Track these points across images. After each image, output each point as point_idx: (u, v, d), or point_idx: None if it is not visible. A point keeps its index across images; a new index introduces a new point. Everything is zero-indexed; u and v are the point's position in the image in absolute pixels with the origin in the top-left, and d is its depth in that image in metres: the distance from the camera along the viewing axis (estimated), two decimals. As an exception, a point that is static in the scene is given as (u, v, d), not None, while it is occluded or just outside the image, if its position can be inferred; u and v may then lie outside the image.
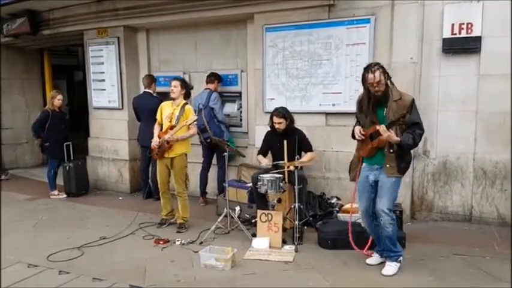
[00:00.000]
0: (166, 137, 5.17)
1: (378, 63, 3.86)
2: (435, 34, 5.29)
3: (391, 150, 3.81)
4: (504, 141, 5.12)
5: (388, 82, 3.83)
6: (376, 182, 3.99)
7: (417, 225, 5.35)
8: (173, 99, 5.32)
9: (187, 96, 5.45)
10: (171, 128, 5.20)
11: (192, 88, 5.69)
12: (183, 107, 5.28)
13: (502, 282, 3.77)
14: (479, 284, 3.76)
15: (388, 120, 3.77)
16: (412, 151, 4.00)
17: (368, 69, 3.80)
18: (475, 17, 5.08)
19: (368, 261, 4.24)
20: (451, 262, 4.24)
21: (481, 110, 5.20)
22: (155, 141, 5.26)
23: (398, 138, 3.75)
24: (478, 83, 5.18)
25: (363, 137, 3.93)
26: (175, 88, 5.27)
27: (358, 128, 3.96)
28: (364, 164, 4.10)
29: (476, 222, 5.32)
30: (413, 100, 3.82)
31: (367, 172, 4.06)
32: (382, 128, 3.71)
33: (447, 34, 5.20)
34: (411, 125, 3.78)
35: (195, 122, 5.35)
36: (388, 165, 3.86)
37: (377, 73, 3.74)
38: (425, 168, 5.50)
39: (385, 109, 3.81)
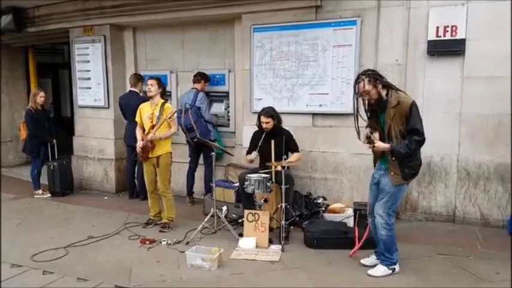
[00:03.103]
0: (149, 136, 5.17)
1: (366, 72, 3.82)
2: (420, 36, 5.34)
3: (393, 158, 3.78)
4: (487, 142, 5.20)
5: (383, 87, 3.77)
6: (379, 182, 3.97)
7: (401, 225, 5.39)
8: (151, 97, 5.33)
9: (162, 95, 5.44)
10: (153, 127, 5.20)
11: (165, 89, 5.76)
12: (162, 106, 5.28)
13: (485, 282, 3.84)
14: (463, 284, 3.81)
15: (387, 126, 3.76)
16: (420, 155, 3.90)
17: (356, 79, 3.84)
18: (460, 20, 5.14)
19: (362, 261, 4.23)
20: (435, 262, 4.29)
21: (464, 112, 5.28)
22: (140, 144, 5.25)
23: (387, 146, 3.74)
24: (462, 85, 5.25)
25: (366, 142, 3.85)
26: (152, 87, 5.29)
27: (365, 132, 3.88)
28: (377, 162, 4.08)
29: (460, 223, 5.39)
30: (411, 104, 3.68)
31: (375, 171, 4.06)
32: (363, 139, 3.76)
33: (432, 36, 5.26)
34: (410, 131, 3.70)
35: (176, 118, 5.42)
36: (392, 173, 3.83)
37: (361, 84, 3.75)
38: (410, 169, 5.55)
39: (385, 115, 3.78)
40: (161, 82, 5.48)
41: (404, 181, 3.84)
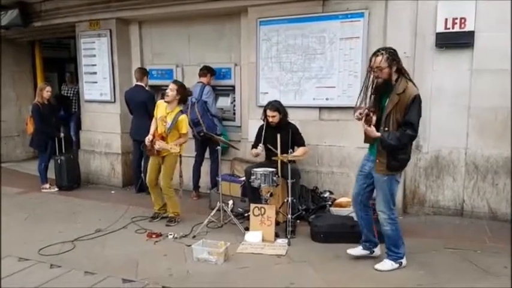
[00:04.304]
0: (156, 146, 5.12)
1: (387, 49, 3.71)
2: (428, 29, 5.29)
3: (383, 147, 3.73)
4: (496, 136, 5.15)
5: (396, 70, 3.67)
6: (370, 174, 3.92)
7: (409, 219, 5.38)
8: (168, 102, 5.20)
9: (183, 101, 5.34)
10: (162, 138, 5.15)
11: (190, 95, 5.63)
12: (176, 116, 5.16)
13: (493, 276, 3.81)
14: (471, 278, 3.78)
15: (386, 111, 3.68)
16: (413, 148, 3.90)
17: (374, 52, 3.72)
18: (469, 12, 5.08)
19: (349, 251, 4.17)
20: (443, 256, 4.26)
21: (473, 105, 5.23)
22: (148, 140, 5.22)
23: (378, 134, 3.66)
24: (470, 78, 5.20)
25: (359, 117, 3.77)
26: (171, 92, 5.14)
27: (361, 110, 3.79)
28: (366, 152, 4.05)
29: (468, 216, 5.36)
30: (415, 97, 3.59)
31: (365, 161, 4.01)
32: (362, 121, 3.68)
33: (440, 29, 5.20)
34: (405, 124, 3.63)
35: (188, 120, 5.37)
36: (378, 161, 3.78)
37: (379, 58, 3.63)
38: (418, 163, 5.52)
39: (388, 99, 3.70)
40: (183, 89, 5.24)
41: (388, 171, 3.76)
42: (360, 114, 3.73)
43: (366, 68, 5.37)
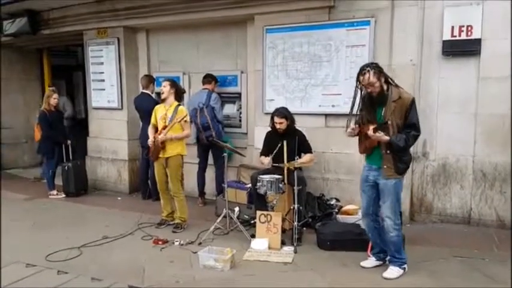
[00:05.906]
0: (160, 136, 5.18)
1: (371, 64, 3.85)
2: (435, 36, 5.30)
3: (388, 152, 3.81)
4: (503, 143, 5.12)
5: (384, 81, 3.82)
6: (376, 183, 3.97)
7: (416, 227, 5.35)
8: (164, 99, 5.35)
9: (178, 98, 5.44)
10: (165, 128, 5.21)
11: (184, 92, 5.71)
12: (176, 108, 5.28)
13: (501, 284, 3.78)
14: (478, 286, 3.75)
15: (386, 118, 3.78)
16: (411, 151, 3.99)
17: (360, 71, 3.85)
18: (475, 20, 5.09)
19: (363, 263, 4.22)
20: (450, 264, 4.24)
21: (480, 113, 5.21)
22: (150, 141, 5.29)
23: (387, 138, 3.73)
24: (477, 86, 5.19)
25: (353, 133, 3.96)
26: (165, 88, 5.31)
27: (351, 126, 3.97)
28: (365, 163, 4.12)
29: (475, 224, 5.32)
30: (413, 100, 3.78)
31: (367, 172, 4.06)
32: (370, 132, 3.74)
33: (447, 36, 5.21)
34: (408, 126, 3.78)
35: (188, 122, 5.42)
36: (385, 166, 3.86)
37: (367, 75, 3.76)
38: (425, 170, 5.51)
39: (384, 108, 3.81)
40: (175, 84, 5.48)
41: (397, 175, 3.86)
42: (353, 130, 3.94)
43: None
